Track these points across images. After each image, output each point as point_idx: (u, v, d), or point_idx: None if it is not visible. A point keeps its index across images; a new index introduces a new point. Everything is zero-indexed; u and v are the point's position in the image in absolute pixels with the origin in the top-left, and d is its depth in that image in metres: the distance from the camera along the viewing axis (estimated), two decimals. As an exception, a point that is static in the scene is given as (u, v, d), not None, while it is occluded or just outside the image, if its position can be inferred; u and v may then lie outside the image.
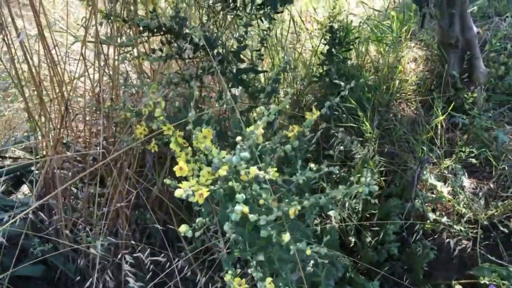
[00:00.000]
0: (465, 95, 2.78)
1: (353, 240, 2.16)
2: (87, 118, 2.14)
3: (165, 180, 1.28)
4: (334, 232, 1.94)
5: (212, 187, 1.16)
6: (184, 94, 1.89)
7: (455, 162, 2.21)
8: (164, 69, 2.18)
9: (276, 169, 1.25)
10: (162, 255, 1.99)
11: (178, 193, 1.04)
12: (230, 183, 1.13)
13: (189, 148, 1.43)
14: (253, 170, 1.08)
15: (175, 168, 1.19)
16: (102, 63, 2.01)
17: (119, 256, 1.94)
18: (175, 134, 1.44)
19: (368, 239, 2.09)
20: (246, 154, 1.07)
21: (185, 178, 1.22)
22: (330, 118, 2.42)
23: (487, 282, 1.88)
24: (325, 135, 2.37)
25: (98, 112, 2.11)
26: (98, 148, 2.11)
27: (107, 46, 2.03)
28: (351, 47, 2.64)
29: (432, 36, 3.33)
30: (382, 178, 2.25)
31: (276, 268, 1.40)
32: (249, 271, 1.20)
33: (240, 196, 1.06)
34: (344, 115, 2.43)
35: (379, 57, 3.13)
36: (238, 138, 1.11)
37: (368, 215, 2.20)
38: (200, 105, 2.28)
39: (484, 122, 2.59)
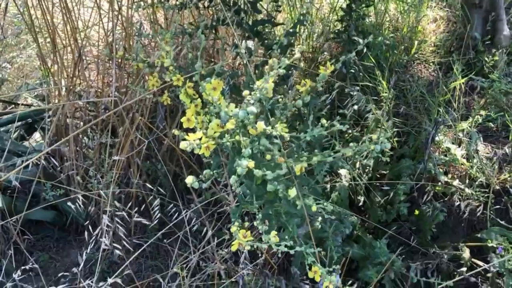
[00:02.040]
0: (486, 58, 2.71)
1: (362, 199, 2.15)
2: (100, 68, 2.11)
3: (173, 131, 1.26)
4: (343, 190, 1.94)
5: (219, 140, 1.14)
6: (197, 45, 1.85)
7: (471, 126, 2.17)
8: (178, 19, 2.14)
9: (285, 124, 1.23)
10: (171, 205, 2.00)
11: (183, 145, 1.02)
12: (237, 137, 1.11)
13: (199, 100, 1.41)
14: (260, 125, 1.05)
15: (183, 119, 1.18)
16: (115, 12, 1.97)
17: (129, 205, 1.96)
18: (185, 85, 1.41)
19: (378, 198, 2.08)
20: (253, 109, 1.04)
21: (193, 130, 1.21)
22: (346, 77, 2.37)
23: (495, 245, 1.87)
24: (339, 94, 2.33)
25: (110, 62, 2.09)
26: (110, 97, 2.11)
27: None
28: (371, 3, 2.55)
29: (455, -4, 3.21)
30: (395, 139, 2.22)
31: (282, 221, 1.40)
32: (255, 223, 1.20)
33: (246, 151, 1.04)
34: (360, 74, 2.38)
35: (398, 16, 3.03)
36: (246, 92, 1.09)
37: (378, 175, 2.19)
38: (213, 59, 2.24)
39: (504, 86, 2.53)
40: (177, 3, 1.85)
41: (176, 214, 2.10)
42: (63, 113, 2.01)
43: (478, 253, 2.02)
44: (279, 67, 1.15)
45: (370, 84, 2.43)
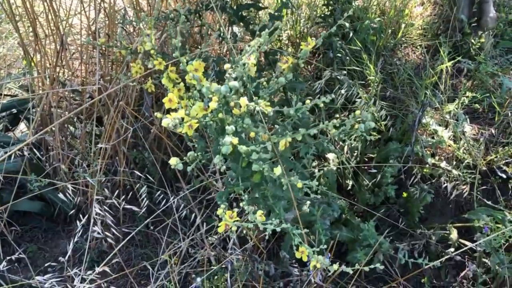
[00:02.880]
0: (472, 40, 2.71)
1: (350, 182, 2.16)
2: (83, 56, 2.09)
3: (155, 114, 1.25)
4: (331, 174, 1.94)
5: (202, 119, 1.13)
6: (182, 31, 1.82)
7: (458, 108, 2.17)
8: (161, 5, 2.11)
9: (268, 102, 1.22)
10: (159, 192, 2.00)
11: (165, 122, 1.01)
12: (220, 115, 1.10)
13: (182, 84, 1.39)
14: (243, 101, 1.04)
15: (164, 100, 1.16)
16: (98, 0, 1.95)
17: (116, 193, 1.95)
18: (167, 69, 1.40)
19: (366, 182, 2.09)
20: (235, 83, 1.03)
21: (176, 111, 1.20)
22: (333, 61, 2.37)
23: (482, 226, 1.89)
24: (327, 78, 2.32)
25: (94, 50, 2.07)
26: (95, 85, 2.09)
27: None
28: (357, -14, 2.54)
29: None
30: (383, 122, 2.22)
31: (269, 204, 1.40)
32: (241, 204, 1.20)
33: (230, 128, 1.03)
34: (347, 58, 2.37)
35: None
36: (227, 65, 1.07)
37: (366, 159, 2.19)
38: (198, 46, 2.22)
39: (490, 68, 2.53)
40: (160, -12, 1.83)
41: (164, 201, 2.10)
42: (47, 103, 1.98)
43: (466, 234, 2.04)
44: (261, 44, 1.14)
45: (357, 68, 2.42)
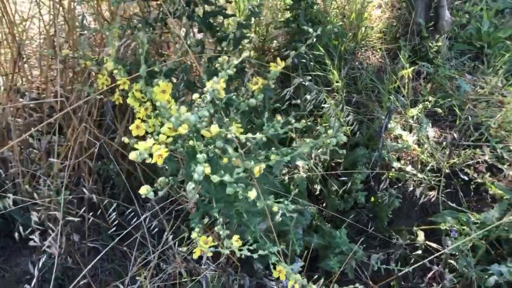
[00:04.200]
0: (430, 44, 2.78)
1: (318, 188, 2.17)
2: (42, 64, 1.99)
3: (123, 139, 1.20)
4: (302, 182, 1.94)
5: (172, 146, 1.10)
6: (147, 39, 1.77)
7: (421, 112, 2.23)
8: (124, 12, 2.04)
9: (240, 125, 1.20)
10: (127, 207, 1.93)
11: (132, 155, 0.97)
12: (191, 142, 1.07)
13: (149, 103, 1.35)
14: (215, 129, 1.02)
15: (132, 127, 1.12)
16: (56, 4, 1.86)
17: (80, 207, 1.88)
18: (132, 89, 1.35)
19: (334, 187, 2.11)
20: (205, 113, 1.00)
21: (144, 137, 1.16)
22: (298, 66, 2.37)
23: (448, 228, 1.94)
24: (293, 84, 2.33)
25: (53, 58, 1.97)
26: (55, 96, 2.00)
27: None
28: (320, -9, 2.55)
29: (398, -18, 3.27)
30: (348, 127, 2.25)
31: (244, 221, 1.39)
32: (216, 229, 1.17)
33: (201, 157, 1.00)
34: (312, 63, 2.38)
35: (344, 3, 3.05)
36: (195, 95, 1.04)
37: (334, 164, 2.21)
38: (164, 53, 2.17)
39: (448, 71, 2.61)
40: (124, -5, 1.77)
41: (132, 214, 2.04)
42: (4, 115, 1.88)
43: (431, 236, 2.09)
44: (230, 67, 1.12)
45: (321, 74, 2.44)
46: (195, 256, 1.11)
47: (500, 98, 2.55)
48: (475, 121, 2.30)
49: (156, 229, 2.05)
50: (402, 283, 2.04)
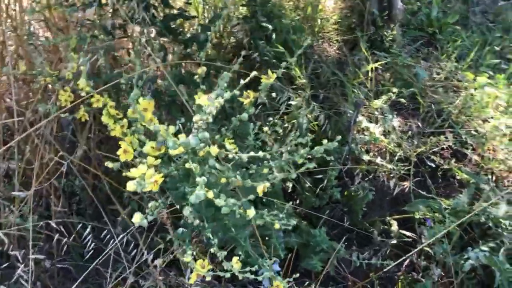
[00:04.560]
0: (385, 33, 2.82)
1: (290, 185, 2.16)
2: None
3: (106, 163, 1.14)
4: (278, 183, 1.92)
5: (166, 170, 1.04)
6: (108, 48, 1.69)
7: (385, 103, 2.25)
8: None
9: (232, 141, 1.17)
10: (104, 229, 1.84)
11: (131, 186, 0.91)
12: (187, 165, 1.02)
13: (125, 120, 1.28)
14: (214, 149, 0.98)
15: (119, 152, 1.06)
16: (3, 13, 1.73)
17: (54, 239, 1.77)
18: (107, 106, 1.29)
19: (307, 184, 2.10)
20: (206, 134, 0.96)
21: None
22: (261, 64, 2.33)
23: (421, 217, 1.98)
24: (257, 82, 2.29)
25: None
26: (8, 112, 1.88)
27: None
28: (275, -15, 2.52)
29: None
30: (315, 123, 2.24)
31: (233, 236, 1.36)
32: (212, 250, 1.14)
33: (201, 180, 0.96)
34: (273, 60, 2.35)
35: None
36: (196, 117, 1.00)
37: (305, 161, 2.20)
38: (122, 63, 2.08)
39: (404, 59, 2.66)
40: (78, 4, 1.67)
41: (103, 230, 1.96)
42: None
43: (403, 224, 2.13)
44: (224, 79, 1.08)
45: (284, 71, 2.40)
46: (191, 282, 1.07)
47: (456, 83, 2.62)
48: (437, 108, 2.35)
49: (130, 244, 1.98)
50: (380, 273, 2.07)
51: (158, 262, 1.99)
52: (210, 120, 0.95)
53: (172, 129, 1.05)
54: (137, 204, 2.07)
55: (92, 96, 1.31)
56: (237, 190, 1.49)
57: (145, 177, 0.95)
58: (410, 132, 2.24)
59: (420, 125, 2.28)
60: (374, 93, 2.39)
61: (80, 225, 1.89)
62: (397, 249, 2.07)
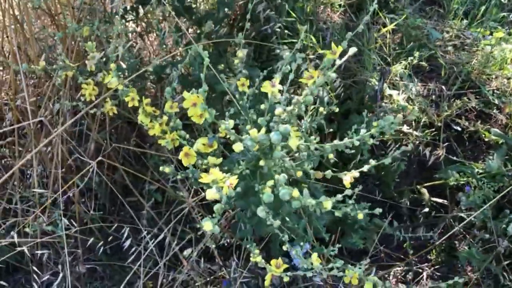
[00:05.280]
0: (391, -6, 2.71)
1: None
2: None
3: (162, 168, 1.04)
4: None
5: (236, 170, 0.95)
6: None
7: (406, 68, 2.17)
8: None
9: (299, 133, 1.08)
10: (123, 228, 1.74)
11: (212, 195, 0.82)
12: (261, 162, 0.93)
13: (165, 117, 1.17)
14: (294, 142, 0.88)
15: (181, 156, 0.97)
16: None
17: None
18: (142, 103, 1.18)
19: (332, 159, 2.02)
20: (287, 127, 0.86)
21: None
22: (272, 35, 2.21)
23: (455, 183, 1.94)
24: (268, 53, 2.20)
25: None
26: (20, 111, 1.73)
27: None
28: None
29: None
30: (333, 94, 2.15)
31: (290, 226, 1.28)
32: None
33: (282, 177, 0.86)
34: (285, 31, 2.23)
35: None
36: (279, 111, 0.89)
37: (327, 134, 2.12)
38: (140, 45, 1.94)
39: (416, 20, 2.56)
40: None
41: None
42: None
43: (434, 192, 2.08)
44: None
45: (295, 40, 2.30)
46: (266, 284, 0.99)
47: (467, 41, 2.55)
48: (456, 70, 2.27)
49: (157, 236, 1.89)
50: (412, 241, 2.02)
51: (187, 252, 1.92)
52: (296, 111, 0.85)
53: (231, 123, 0.95)
54: (160, 196, 1.97)
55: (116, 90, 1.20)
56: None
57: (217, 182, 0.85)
58: (433, 96, 2.17)
59: (443, 88, 2.20)
60: (393, 57, 2.30)
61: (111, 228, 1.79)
62: (428, 217, 2.04)
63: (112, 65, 1.11)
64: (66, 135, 1.69)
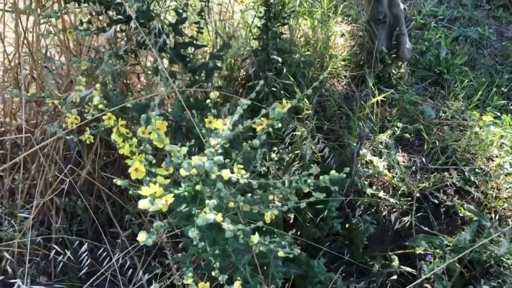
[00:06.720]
0: (393, 71, 2.86)
1: (292, 216, 2.16)
2: (5, 97, 1.92)
3: (115, 181, 1.16)
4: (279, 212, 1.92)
5: (176, 191, 1.06)
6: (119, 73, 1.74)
7: (390, 137, 2.27)
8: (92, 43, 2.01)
9: (241, 166, 1.19)
10: (102, 249, 1.85)
11: (144, 205, 0.93)
12: (197, 187, 1.04)
13: (134, 139, 1.31)
14: (226, 173, 1.00)
15: (130, 170, 1.09)
16: (21, 37, 1.80)
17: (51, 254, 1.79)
18: (117, 124, 1.32)
19: (308, 215, 2.10)
20: (220, 158, 0.98)
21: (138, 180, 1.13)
22: (268, 95, 2.38)
23: (423, 252, 1.96)
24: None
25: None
26: (18, 131, 1.92)
27: (26, 17, 1.83)
28: (286, 21, 2.59)
29: (358, 12, 3.38)
30: (319, 154, 2.26)
31: (232, 261, 1.36)
32: (213, 273, 1.14)
33: (211, 203, 0.97)
34: (281, 92, 2.39)
35: (310, 32, 3.11)
36: (213, 141, 1.02)
37: (305, 192, 2.20)
38: (132, 88, 2.14)
39: (411, 96, 2.69)
40: (92, 28, 1.73)
41: (101, 251, 1.96)
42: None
43: (404, 260, 2.10)
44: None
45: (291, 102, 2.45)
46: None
47: (462, 122, 2.63)
48: (441, 145, 2.36)
49: (128, 267, 1.97)
50: (379, 309, 2.04)
51: (154, 286, 1.99)
52: (227, 144, 0.97)
53: (184, 150, 1.08)
54: (137, 228, 2.08)
55: (97, 119, 1.35)
56: (239, 215, 1.50)
57: (155, 197, 0.96)
58: (414, 168, 2.24)
59: (424, 161, 2.28)
60: (380, 127, 2.41)
61: (77, 242, 1.90)
62: (398, 284, 2.05)
63: (95, 89, 1.27)
64: (57, 158, 1.86)
